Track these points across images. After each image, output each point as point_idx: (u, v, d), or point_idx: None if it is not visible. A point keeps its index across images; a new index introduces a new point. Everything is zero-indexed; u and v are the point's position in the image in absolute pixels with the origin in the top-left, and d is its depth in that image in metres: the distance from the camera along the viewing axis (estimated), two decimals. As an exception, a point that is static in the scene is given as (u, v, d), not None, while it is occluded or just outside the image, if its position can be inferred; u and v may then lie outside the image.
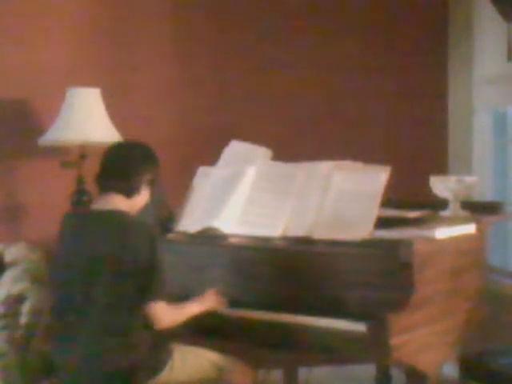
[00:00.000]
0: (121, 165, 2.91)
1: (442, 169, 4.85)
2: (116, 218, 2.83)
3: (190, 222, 3.38)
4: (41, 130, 4.18)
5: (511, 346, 3.72)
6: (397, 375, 3.40)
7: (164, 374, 2.83)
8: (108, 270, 2.73)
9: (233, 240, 3.23)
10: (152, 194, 3.00)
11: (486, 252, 3.29)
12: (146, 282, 2.75)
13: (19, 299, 3.52)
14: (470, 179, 3.37)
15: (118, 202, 2.87)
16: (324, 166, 3.20)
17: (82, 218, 2.96)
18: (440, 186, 3.34)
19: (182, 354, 2.90)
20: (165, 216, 3.45)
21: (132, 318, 2.76)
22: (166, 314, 2.81)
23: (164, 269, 2.81)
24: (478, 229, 3.17)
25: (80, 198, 4.09)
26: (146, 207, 3.18)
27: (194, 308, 2.94)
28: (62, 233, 2.91)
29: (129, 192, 2.89)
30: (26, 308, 3.49)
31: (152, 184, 2.96)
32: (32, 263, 3.71)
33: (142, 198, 2.95)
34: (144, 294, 2.76)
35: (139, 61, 4.59)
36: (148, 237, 2.78)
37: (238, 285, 3.11)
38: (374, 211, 2.97)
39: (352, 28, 4.90)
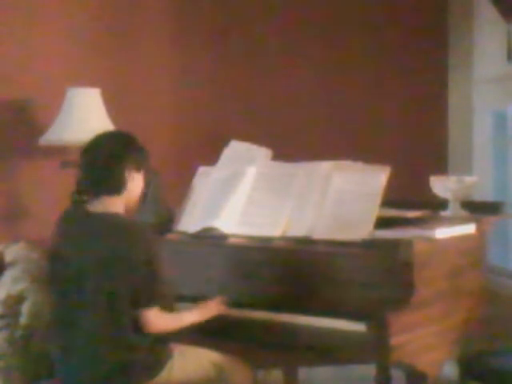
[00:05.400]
0: (100, 166, 2.84)
1: (441, 169, 4.85)
2: (109, 221, 2.80)
3: (189, 221, 3.37)
4: (41, 130, 4.17)
5: (511, 346, 3.72)
6: (397, 375, 3.40)
7: (164, 374, 2.82)
8: (99, 273, 2.71)
9: (233, 240, 3.22)
10: (147, 183, 2.97)
11: (486, 252, 3.29)
12: (140, 286, 2.72)
13: (19, 299, 3.52)
14: (469, 179, 3.37)
15: (111, 202, 2.84)
16: (324, 166, 3.20)
17: (76, 219, 2.92)
18: (440, 186, 3.33)
19: (181, 354, 2.90)
20: (165, 216, 3.44)
21: (126, 321, 2.73)
22: (159, 321, 2.78)
23: (162, 275, 2.77)
24: (478, 229, 3.17)
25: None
26: (146, 206, 3.18)
27: (192, 317, 2.92)
28: (57, 233, 2.90)
29: (117, 189, 2.83)
30: (25, 308, 3.49)
31: (139, 168, 2.88)
32: (32, 263, 3.70)
33: (136, 185, 2.89)
34: (138, 299, 2.73)
35: (139, 61, 4.59)
36: (143, 241, 2.75)
37: (238, 285, 3.10)
38: (374, 211, 2.98)
39: (352, 29, 4.90)
